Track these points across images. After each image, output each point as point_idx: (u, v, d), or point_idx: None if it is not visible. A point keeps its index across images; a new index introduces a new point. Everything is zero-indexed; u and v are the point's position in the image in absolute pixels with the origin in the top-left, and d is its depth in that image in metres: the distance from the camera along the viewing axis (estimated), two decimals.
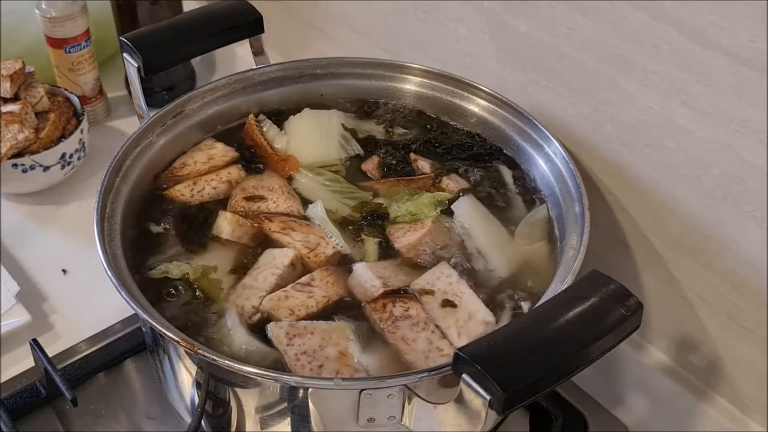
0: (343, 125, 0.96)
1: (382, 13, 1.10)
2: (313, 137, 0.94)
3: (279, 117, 0.98)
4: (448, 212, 0.86)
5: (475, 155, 0.93)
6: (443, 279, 0.79)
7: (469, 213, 0.85)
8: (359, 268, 0.80)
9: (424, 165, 0.92)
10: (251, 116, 0.96)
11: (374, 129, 0.97)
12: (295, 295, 0.78)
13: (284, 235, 0.83)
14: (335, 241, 0.83)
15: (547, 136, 0.88)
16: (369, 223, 0.86)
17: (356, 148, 0.94)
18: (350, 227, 0.85)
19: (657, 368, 0.90)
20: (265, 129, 0.96)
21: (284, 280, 0.80)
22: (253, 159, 0.94)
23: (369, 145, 0.95)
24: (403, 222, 0.86)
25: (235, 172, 0.91)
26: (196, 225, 0.85)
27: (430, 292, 0.78)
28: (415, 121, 0.98)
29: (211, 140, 0.95)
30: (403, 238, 0.84)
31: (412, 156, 0.93)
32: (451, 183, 0.89)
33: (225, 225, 0.84)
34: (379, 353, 0.74)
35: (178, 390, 0.84)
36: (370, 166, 0.93)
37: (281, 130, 0.96)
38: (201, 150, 0.94)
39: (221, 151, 0.94)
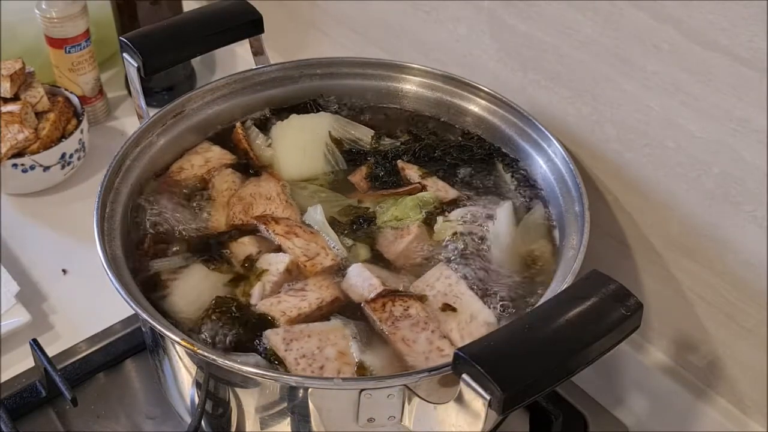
0: (330, 133, 0.94)
1: (382, 13, 1.10)
2: (296, 151, 0.93)
3: (278, 117, 0.97)
4: (436, 214, 0.86)
5: (474, 157, 0.92)
6: (442, 280, 0.79)
7: (506, 223, 0.84)
8: (355, 269, 0.80)
9: (411, 174, 0.90)
10: (238, 124, 0.96)
11: (364, 137, 0.95)
12: (288, 299, 0.78)
13: (286, 239, 0.83)
14: (334, 246, 0.83)
15: (547, 136, 0.87)
16: (357, 227, 0.85)
17: (341, 163, 0.93)
18: (342, 231, 0.85)
19: (657, 368, 0.90)
20: (252, 137, 0.95)
21: (279, 287, 0.80)
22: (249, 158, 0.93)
23: (356, 157, 0.93)
24: (389, 227, 0.85)
25: (231, 179, 0.90)
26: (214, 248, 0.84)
27: (428, 296, 0.78)
28: (410, 127, 0.97)
29: (207, 143, 0.95)
30: (392, 247, 0.83)
31: (400, 164, 0.91)
32: (435, 185, 0.89)
33: (251, 247, 0.83)
34: (379, 352, 0.74)
35: (178, 390, 0.84)
36: (358, 177, 0.91)
37: (268, 138, 0.95)
38: (198, 153, 0.93)
39: (218, 154, 0.93)
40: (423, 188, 0.88)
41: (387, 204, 0.87)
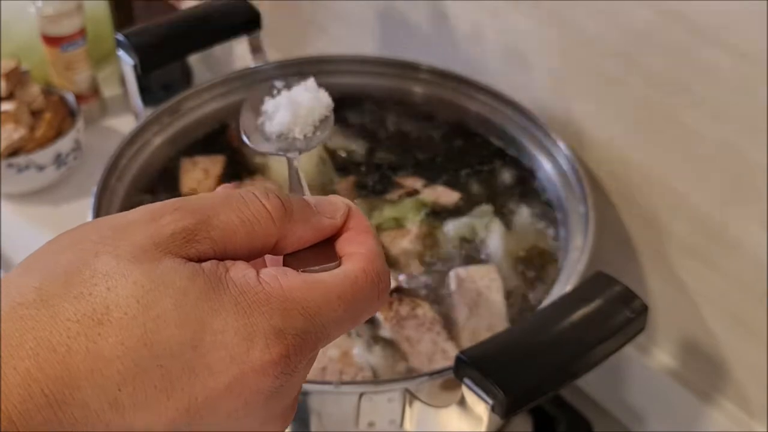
0: (325, 144, 0.93)
1: (383, 10, 1.09)
2: None
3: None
4: (434, 216, 0.85)
5: (476, 159, 0.91)
6: (485, 279, 0.78)
7: (498, 242, 0.83)
8: None
9: (410, 185, 0.89)
10: (233, 125, 0.94)
11: (359, 149, 0.94)
12: None
13: None
14: None
15: (551, 135, 0.87)
16: None
17: (332, 173, 0.91)
18: None
19: (662, 371, 0.89)
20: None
21: None
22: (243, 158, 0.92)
23: (350, 167, 0.92)
24: (387, 229, 0.84)
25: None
26: None
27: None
28: (409, 128, 0.96)
29: (187, 161, 0.91)
30: (391, 246, 0.82)
31: (398, 180, 0.90)
32: (434, 191, 0.88)
33: None
34: (383, 352, 0.74)
35: None
36: (344, 186, 0.90)
37: None
38: (192, 171, 0.90)
39: (209, 162, 0.91)
40: (416, 192, 0.87)
41: (382, 207, 0.86)
